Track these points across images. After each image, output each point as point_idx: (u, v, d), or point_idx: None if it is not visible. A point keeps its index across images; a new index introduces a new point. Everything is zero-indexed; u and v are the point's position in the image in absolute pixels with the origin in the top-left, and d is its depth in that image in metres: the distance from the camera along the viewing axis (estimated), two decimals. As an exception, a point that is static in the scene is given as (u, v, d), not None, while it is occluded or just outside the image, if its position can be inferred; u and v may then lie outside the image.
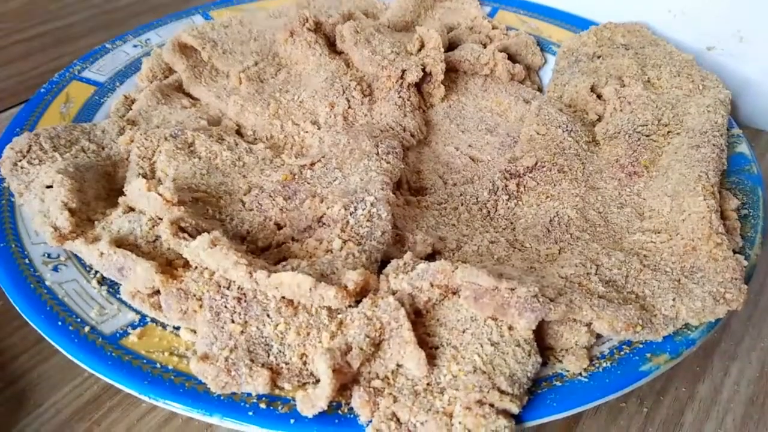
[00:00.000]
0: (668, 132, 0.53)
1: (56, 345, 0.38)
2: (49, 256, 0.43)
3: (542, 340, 0.37)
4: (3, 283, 0.41)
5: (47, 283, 0.41)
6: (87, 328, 0.38)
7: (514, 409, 0.33)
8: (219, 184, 0.49)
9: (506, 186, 0.50)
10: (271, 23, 0.68)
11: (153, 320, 0.39)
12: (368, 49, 0.61)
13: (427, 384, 0.34)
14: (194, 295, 0.38)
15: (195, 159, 0.50)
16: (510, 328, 0.36)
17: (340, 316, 0.37)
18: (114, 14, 0.90)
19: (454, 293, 0.38)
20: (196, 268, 0.40)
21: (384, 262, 0.42)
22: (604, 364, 0.36)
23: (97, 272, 0.42)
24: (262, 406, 0.34)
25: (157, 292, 0.40)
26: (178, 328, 0.39)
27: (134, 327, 0.39)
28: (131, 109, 0.59)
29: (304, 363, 0.36)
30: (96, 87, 0.62)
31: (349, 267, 0.40)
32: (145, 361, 0.37)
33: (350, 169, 0.49)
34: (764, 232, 0.45)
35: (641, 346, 0.37)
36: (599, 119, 0.58)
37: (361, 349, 0.34)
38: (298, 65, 0.63)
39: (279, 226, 0.46)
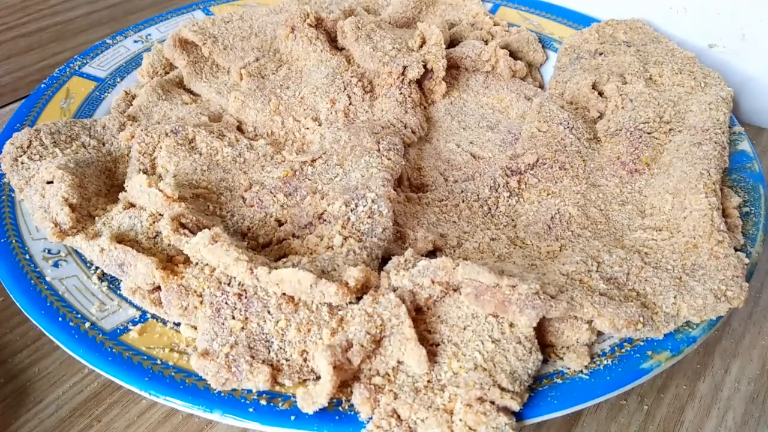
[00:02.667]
0: (670, 129, 0.53)
1: (56, 341, 0.38)
2: (49, 251, 0.43)
3: (543, 338, 0.37)
4: (3, 278, 0.41)
5: (47, 278, 0.41)
6: (87, 324, 0.38)
7: (515, 406, 0.33)
8: (220, 180, 0.49)
9: (507, 183, 0.50)
10: (272, 19, 0.68)
11: (153, 316, 0.39)
12: (369, 45, 0.61)
13: (428, 381, 0.34)
14: (195, 292, 0.38)
15: (196, 155, 0.50)
16: (511, 325, 0.36)
17: (340, 312, 0.37)
18: (114, 9, 0.89)
19: (455, 290, 0.38)
20: (196, 264, 0.40)
21: (385, 259, 0.42)
22: (605, 362, 0.36)
23: (97, 268, 0.42)
24: (263, 402, 0.34)
25: (158, 288, 0.40)
26: (178, 325, 0.39)
27: (135, 323, 0.39)
28: (132, 104, 0.59)
29: (305, 360, 0.36)
30: (96, 82, 0.62)
31: (350, 264, 0.40)
32: (145, 357, 0.37)
33: (351, 166, 0.49)
34: (765, 230, 0.45)
35: (642, 343, 0.37)
36: (601, 116, 0.58)
37: (362, 345, 0.34)
38: (299, 61, 0.63)
39: (280, 223, 0.46)
